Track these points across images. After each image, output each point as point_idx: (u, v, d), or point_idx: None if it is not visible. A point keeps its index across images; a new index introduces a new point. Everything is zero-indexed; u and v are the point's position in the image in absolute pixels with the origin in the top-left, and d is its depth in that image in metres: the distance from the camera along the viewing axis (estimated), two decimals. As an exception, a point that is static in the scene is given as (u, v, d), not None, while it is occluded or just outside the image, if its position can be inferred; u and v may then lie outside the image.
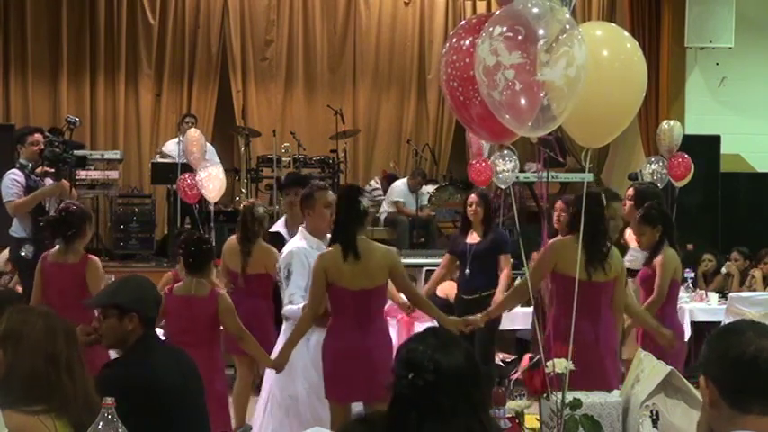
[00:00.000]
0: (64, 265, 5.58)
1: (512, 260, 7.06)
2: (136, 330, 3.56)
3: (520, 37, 3.18)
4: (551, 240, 5.17)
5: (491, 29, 3.25)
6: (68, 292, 5.40)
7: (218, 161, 10.70)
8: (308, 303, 5.05)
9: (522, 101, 3.21)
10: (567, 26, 3.27)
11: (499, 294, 6.66)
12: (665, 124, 9.35)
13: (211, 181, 8.57)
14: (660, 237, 5.67)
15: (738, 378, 2.04)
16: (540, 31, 3.19)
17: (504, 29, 3.19)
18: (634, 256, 6.02)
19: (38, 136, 7.43)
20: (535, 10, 3.23)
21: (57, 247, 5.71)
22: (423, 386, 2.21)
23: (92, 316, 5.04)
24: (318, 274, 4.96)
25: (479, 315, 5.49)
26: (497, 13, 3.30)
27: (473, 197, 7.21)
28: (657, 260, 5.60)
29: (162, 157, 11.22)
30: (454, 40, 3.70)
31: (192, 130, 9.17)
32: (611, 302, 5.08)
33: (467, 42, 3.57)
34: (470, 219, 7.13)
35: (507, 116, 3.29)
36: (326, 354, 5.04)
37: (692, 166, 9.09)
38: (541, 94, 3.21)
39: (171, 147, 11.15)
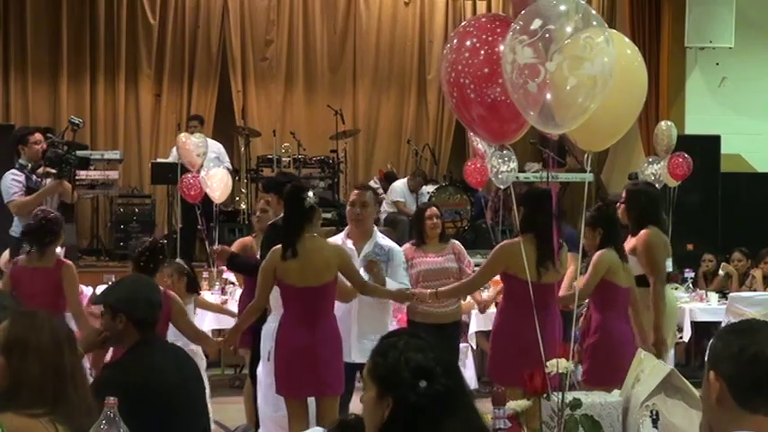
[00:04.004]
0: (38, 269, 5.55)
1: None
2: (128, 331, 3.55)
3: (547, 35, 3.20)
4: (502, 242, 5.29)
5: (520, 26, 3.26)
6: (40, 296, 5.38)
7: (227, 160, 10.75)
8: (255, 297, 5.26)
9: (549, 95, 3.23)
10: (594, 23, 3.29)
11: (562, 290, 6.25)
12: (662, 124, 9.37)
13: (215, 180, 8.60)
14: (601, 240, 5.55)
15: (753, 377, 2.03)
16: (568, 29, 3.22)
17: (539, 24, 3.21)
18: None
19: (39, 135, 7.44)
20: (562, 7, 3.25)
21: (28, 252, 5.65)
22: (440, 391, 2.20)
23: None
24: (267, 271, 5.08)
25: (429, 291, 5.66)
26: (527, 9, 3.31)
27: None
28: (593, 259, 5.53)
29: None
30: (457, 39, 3.70)
31: (181, 135, 9.19)
32: (556, 300, 5.14)
33: (478, 41, 3.59)
34: None
35: (532, 112, 3.31)
36: (277, 349, 5.14)
37: (692, 166, 9.11)
38: (567, 87, 3.22)
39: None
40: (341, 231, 6.09)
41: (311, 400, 5.18)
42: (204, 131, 10.78)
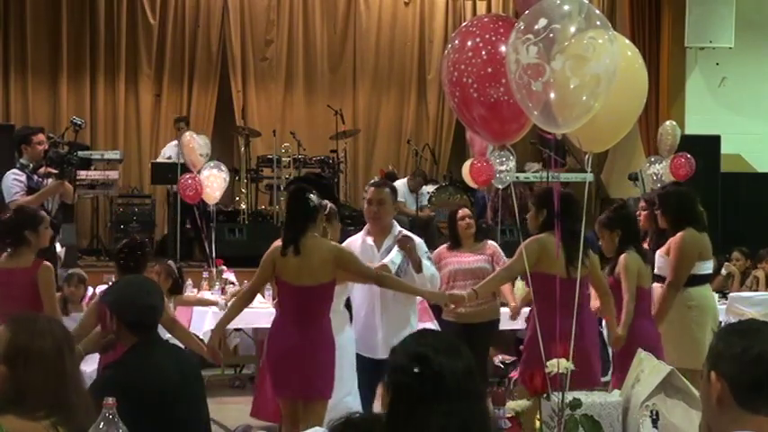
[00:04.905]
0: (14, 270, 5.39)
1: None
2: (123, 332, 3.53)
3: (552, 34, 3.20)
4: (533, 236, 5.10)
5: (525, 25, 3.26)
6: (19, 298, 5.26)
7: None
8: (245, 289, 5.29)
9: (553, 95, 3.23)
10: (598, 23, 3.30)
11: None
12: (667, 124, 9.37)
13: (215, 181, 8.60)
14: (620, 241, 5.49)
15: (755, 377, 2.02)
16: (572, 29, 3.22)
17: (545, 23, 3.21)
18: (660, 263, 5.92)
19: (42, 136, 7.44)
20: (567, 7, 3.26)
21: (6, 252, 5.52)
22: (429, 377, 2.21)
23: None
24: (266, 265, 5.05)
25: (465, 292, 5.41)
26: (532, 9, 3.32)
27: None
28: (619, 265, 5.43)
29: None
30: (459, 39, 3.71)
31: (187, 134, 9.18)
32: (587, 297, 5.07)
33: (481, 41, 3.59)
34: None
35: (536, 112, 3.31)
36: (268, 347, 5.12)
37: (695, 165, 9.11)
38: (571, 86, 3.22)
39: (168, 152, 11.26)
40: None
41: None
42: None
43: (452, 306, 5.43)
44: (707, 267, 6.08)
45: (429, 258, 5.66)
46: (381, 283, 5.21)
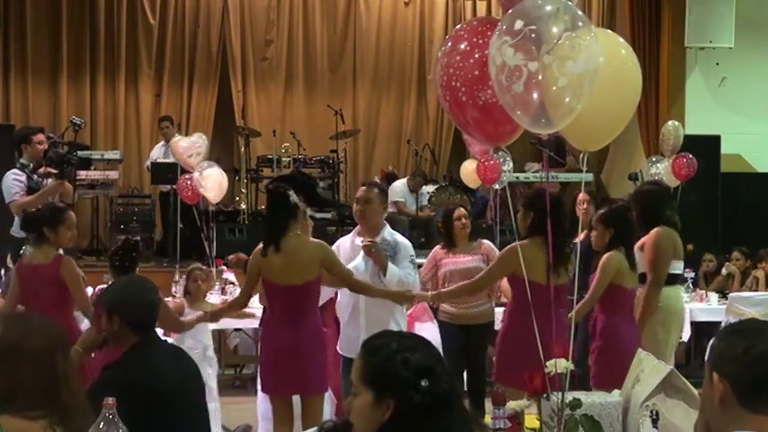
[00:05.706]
0: (37, 267, 5.45)
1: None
2: (124, 332, 3.53)
3: (534, 35, 3.20)
4: (513, 243, 5.04)
5: (505, 26, 3.25)
6: (45, 294, 5.33)
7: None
8: (236, 299, 5.52)
9: (536, 96, 3.22)
10: (580, 23, 3.29)
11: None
12: (670, 124, 9.36)
13: (210, 181, 8.57)
14: (610, 239, 5.45)
15: (757, 377, 2.02)
16: (554, 30, 3.21)
17: (522, 24, 3.20)
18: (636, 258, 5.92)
19: (42, 135, 7.45)
20: (548, 8, 3.25)
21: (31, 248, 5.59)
22: (444, 389, 2.19)
23: (67, 320, 5.12)
24: (252, 269, 5.15)
25: (430, 292, 5.64)
26: (512, 10, 3.31)
27: (582, 196, 6.98)
28: (601, 263, 5.41)
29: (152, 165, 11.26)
30: (450, 43, 3.71)
31: (175, 137, 9.18)
32: (566, 303, 5.04)
33: (469, 44, 3.59)
34: (579, 218, 6.77)
35: (519, 112, 3.30)
36: (261, 347, 5.20)
37: (697, 166, 9.10)
38: (554, 88, 3.21)
39: (155, 153, 11.28)
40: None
41: (296, 401, 5.17)
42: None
43: (416, 304, 5.58)
44: (677, 267, 6.07)
45: (412, 263, 5.68)
46: (353, 288, 5.32)
